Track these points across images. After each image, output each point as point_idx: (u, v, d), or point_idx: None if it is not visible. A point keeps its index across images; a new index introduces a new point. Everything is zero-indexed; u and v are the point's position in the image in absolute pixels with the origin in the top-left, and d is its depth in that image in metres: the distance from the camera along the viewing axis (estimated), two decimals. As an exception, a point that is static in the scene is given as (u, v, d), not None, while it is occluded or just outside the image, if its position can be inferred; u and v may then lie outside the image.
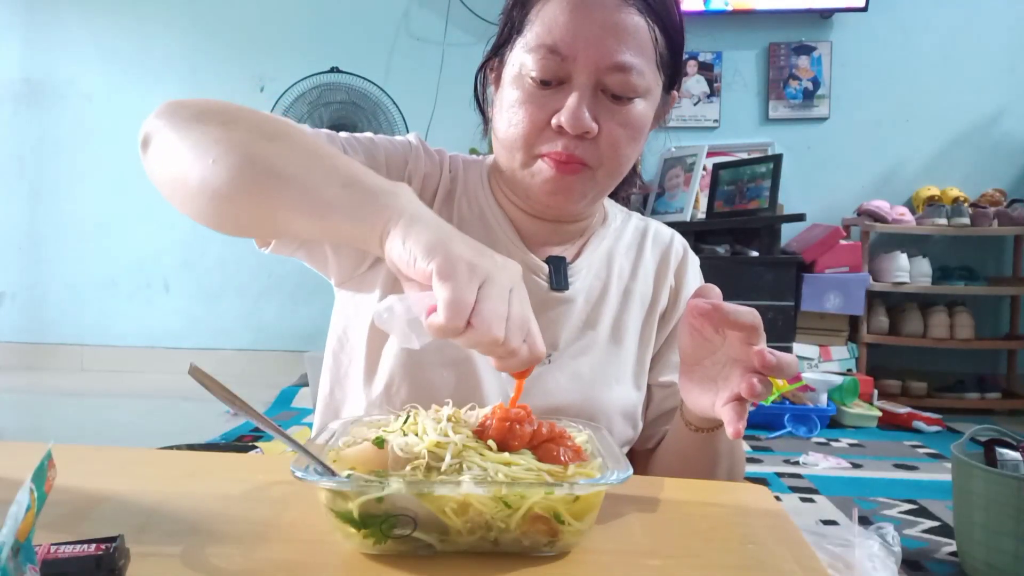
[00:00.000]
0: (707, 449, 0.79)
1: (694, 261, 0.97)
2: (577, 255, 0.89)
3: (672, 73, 0.82)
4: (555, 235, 0.88)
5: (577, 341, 0.86)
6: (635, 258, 0.92)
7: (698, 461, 0.80)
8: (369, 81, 3.68)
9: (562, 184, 0.77)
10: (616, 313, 0.88)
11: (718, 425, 0.76)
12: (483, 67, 0.86)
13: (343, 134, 0.83)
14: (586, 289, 0.87)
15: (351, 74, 3.70)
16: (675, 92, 0.85)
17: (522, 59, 0.77)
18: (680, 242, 0.97)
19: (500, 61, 0.82)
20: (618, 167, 0.79)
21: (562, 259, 0.87)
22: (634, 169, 0.91)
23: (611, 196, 0.92)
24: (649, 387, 0.91)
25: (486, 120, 0.88)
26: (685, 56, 0.88)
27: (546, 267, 0.86)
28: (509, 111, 0.78)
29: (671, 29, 0.79)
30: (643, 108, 0.78)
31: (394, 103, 3.66)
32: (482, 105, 0.88)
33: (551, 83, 0.75)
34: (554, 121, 0.75)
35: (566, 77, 0.75)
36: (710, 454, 0.79)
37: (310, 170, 0.60)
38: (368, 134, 0.86)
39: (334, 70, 3.71)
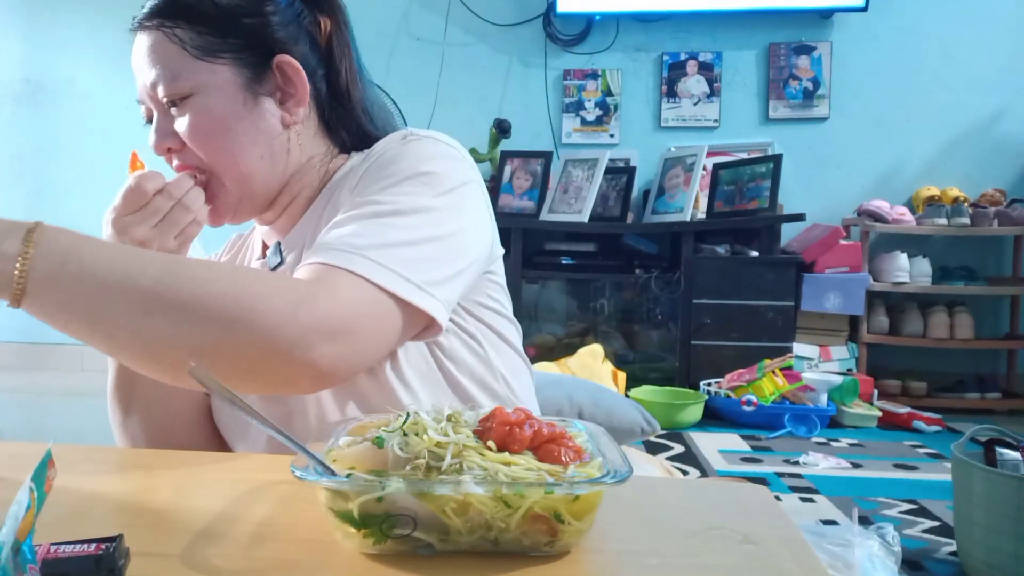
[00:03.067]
0: None
1: (381, 144, 0.83)
2: (291, 229, 0.88)
3: (241, 48, 0.81)
4: (286, 228, 0.89)
5: None
6: (341, 189, 0.83)
7: None
8: (370, 81, 3.69)
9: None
10: None
11: None
12: None
13: None
14: (297, 256, 0.85)
15: (351, 74, 3.70)
16: (279, 57, 0.83)
17: None
18: (384, 139, 0.84)
19: None
20: (220, 160, 0.82)
21: (277, 241, 0.89)
22: (350, 114, 0.90)
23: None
24: None
25: None
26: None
27: (266, 256, 0.89)
28: None
29: (187, 18, 0.81)
30: (204, 100, 0.80)
31: (394, 103, 3.66)
32: None
33: (150, 123, 0.85)
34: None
35: (151, 116, 0.85)
36: None
37: None
38: None
39: (334, 70, 3.71)
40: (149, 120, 0.85)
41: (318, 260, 0.69)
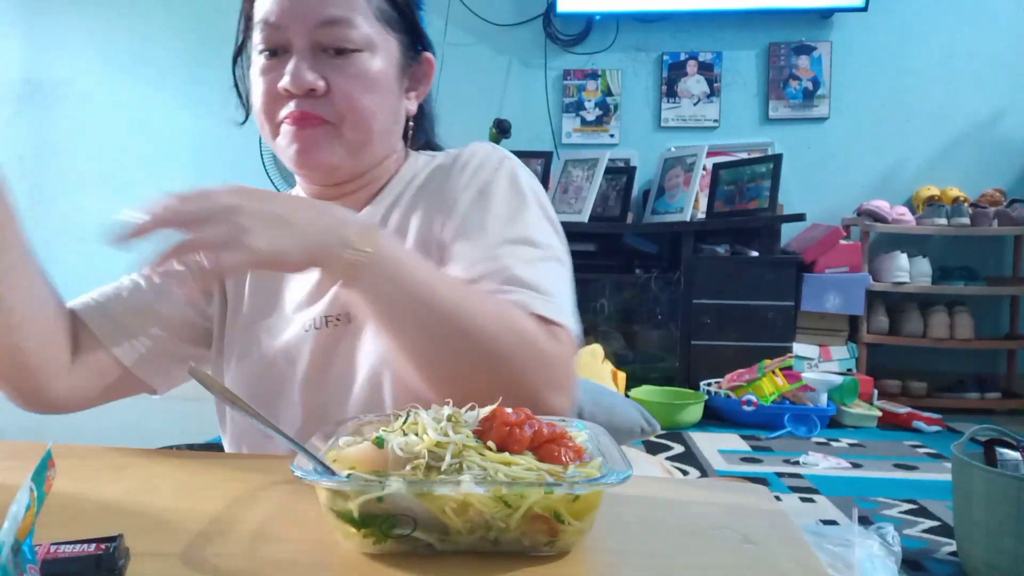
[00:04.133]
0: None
1: (475, 159, 0.86)
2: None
3: (408, 31, 0.87)
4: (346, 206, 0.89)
5: None
6: (421, 196, 0.86)
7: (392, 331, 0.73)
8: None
9: (304, 140, 0.81)
10: None
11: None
12: (236, 60, 0.90)
13: None
14: None
15: (351, 74, 3.71)
16: (427, 53, 0.90)
17: (254, 41, 0.84)
18: (470, 150, 0.87)
19: (247, 55, 0.88)
20: (360, 119, 0.81)
21: None
22: (424, 123, 0.96)
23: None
24: None
25: (248, 111, 0.91)
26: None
27: None
28: (253, 90, 0.84)
29: None
30: (370, 60, 0.82)
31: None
32: (242, 96, 0.92)
33: (277, 53, 0.81)
34: (280, 85, 0.80)
35: (287, 45, 0.80)
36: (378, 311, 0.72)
37: None
38: None
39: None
40: (268, 48, 0.81)
41: (533, 309, 0.72)
